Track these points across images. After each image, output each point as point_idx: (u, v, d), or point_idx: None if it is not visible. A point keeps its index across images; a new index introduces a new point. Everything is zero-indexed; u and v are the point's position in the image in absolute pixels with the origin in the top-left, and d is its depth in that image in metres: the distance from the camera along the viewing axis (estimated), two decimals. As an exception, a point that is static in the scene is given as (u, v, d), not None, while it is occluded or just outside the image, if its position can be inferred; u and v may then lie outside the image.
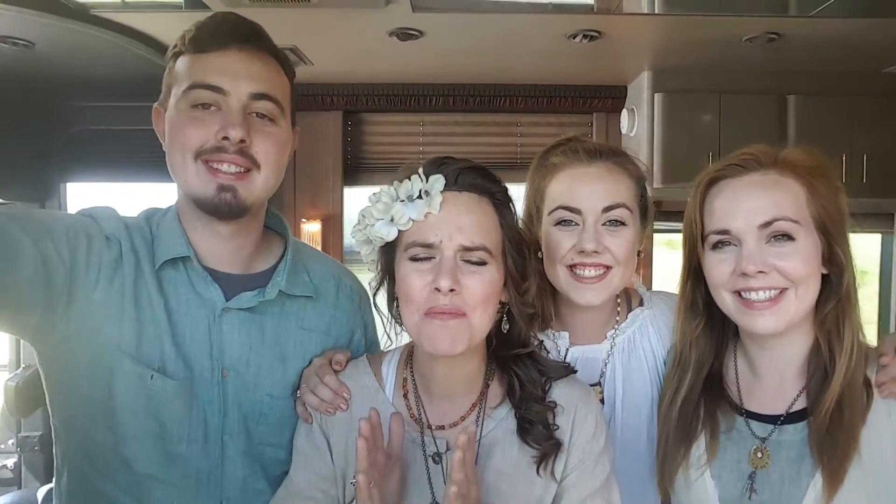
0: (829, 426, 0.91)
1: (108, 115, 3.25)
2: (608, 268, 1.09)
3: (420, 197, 0.91)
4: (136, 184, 3.45)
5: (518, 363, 0.97)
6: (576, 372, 1.02)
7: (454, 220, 0.90)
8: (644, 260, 3.28)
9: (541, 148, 3.82)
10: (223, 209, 1.01)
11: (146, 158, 3.31)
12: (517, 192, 3.41)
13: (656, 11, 2.24)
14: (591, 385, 1.14)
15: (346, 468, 0.97)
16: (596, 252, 1.07)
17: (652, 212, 1.20)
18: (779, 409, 0.99)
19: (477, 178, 0.95)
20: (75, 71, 2.80)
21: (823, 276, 0.96)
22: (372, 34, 2.42)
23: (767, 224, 0.93)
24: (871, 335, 3.46)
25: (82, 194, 3.52)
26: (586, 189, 1.09)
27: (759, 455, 0.97)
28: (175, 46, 1.04)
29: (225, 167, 1.00)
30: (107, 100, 3.20)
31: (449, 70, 3.00)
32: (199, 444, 1.02)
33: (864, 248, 3.57)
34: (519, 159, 3.37)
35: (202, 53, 1.01)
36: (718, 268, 0.96)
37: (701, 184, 1.00)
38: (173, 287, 1.03)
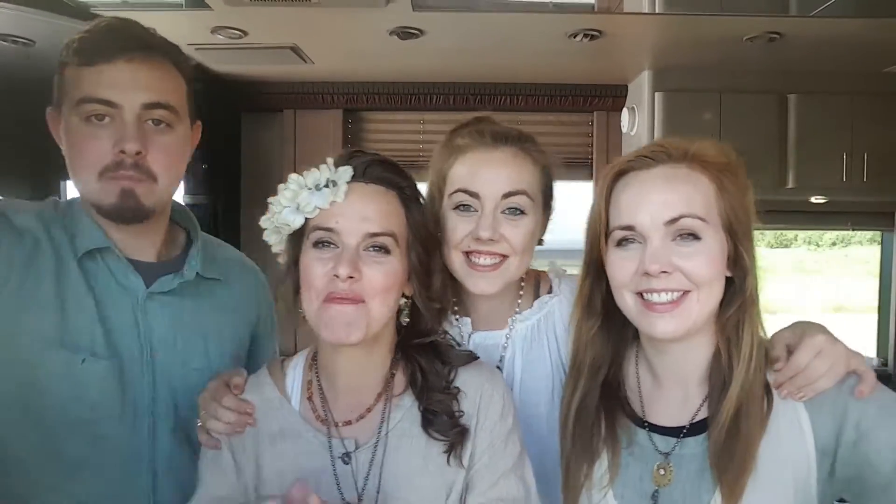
0: (727, 438, 0.85)
1: (108, 113, 3.25)
2: (504, 257, 1.07)
3: (327, 186, 0.91)
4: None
5: (421, 353, 0.97)
6: (477, 358, 1.01)
7: (359, 210, 0.90)
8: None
9: (541, 147, 3.82)
10: (126, 215, 1.05)
11: (146, 156, 3.31)
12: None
13: (657, 11, 2.23)
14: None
15: (258, 486, 0.95)
16: (492, 240, 1.04)
17: (556, 201, 1.19)
18: (682, 420, 0.92)
19: (385, 172, 0.94)
20: (75, 69, 2.80)
21: (728, 279, 0.90)
22: (372, 33, 2.42)
23: (674, 221, 0.86)
24: (870, 334, 3.47)
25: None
26: (488, 174, 1.06)
27: (662, 472, 0.91)
28: (62, 55, 1.05)
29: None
30: (107, 98, 3.20)
31: (449, 69, 3.00)
32: (129, 423, 1.06)
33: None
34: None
35: (90, 66, 1.01)
36: (621, 266, 0.90)
37: (608, 175, 0.93)
38: (95, 277, 1.06)
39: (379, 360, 0.98)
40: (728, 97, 2.83)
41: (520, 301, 1.16)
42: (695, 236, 0.86)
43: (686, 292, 0.86)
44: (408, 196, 0.95)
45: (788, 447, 0.85)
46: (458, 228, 1.06)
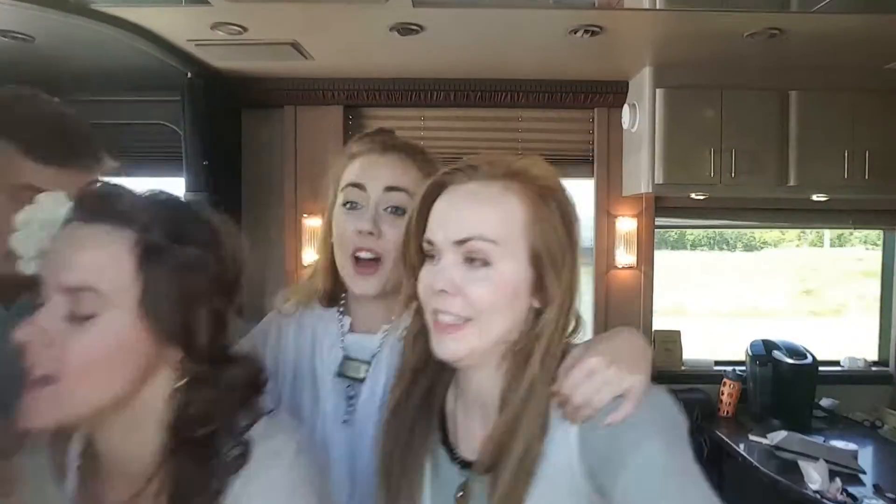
0: (495, 478, 0.80)
1: (108, 110, 3.24)
2: (382, 256, 1.09)
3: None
4: (136, 178, 3.46)
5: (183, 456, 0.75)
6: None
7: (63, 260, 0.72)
8: (644, 254, 3.29)
9: (542, 143, 3.85)
10: None
11: (147, 152, 3.31)
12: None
13: (658, 7, 2.23)
14: (359, 379, 1.12)
15: None
16: (371, 234, 1.08)
17: None
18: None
19: (109, 207, 0.75)
20: (75, 65, 2.80)
21: (537, 308, 0.84)
22: (372, 29, 2.42)
23: (462, 242, 0.81)
24: (872, 332, 3.47)
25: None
26: (374, 171, 1.12)
27: (462, 496, 0.87)
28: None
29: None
30: (107, 94, 3.20)
31: (450, 65, 2.99)
32: None
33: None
34: (520, 154, 3.34)
35: None
36: (423, 280, 0.86)
37: (429, 185, 0.88)
38: None
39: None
40: (729, 94, 2.82)
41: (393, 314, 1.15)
42: (483, 261, 0.81)
43: (468, 319, 0.82)
44: (150, 241, 0.73)
45: (560, 474, 0.80)
46: (346, 226, 1.10)
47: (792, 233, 5.66)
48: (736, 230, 5.19)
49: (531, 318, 0.85)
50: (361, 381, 1.12)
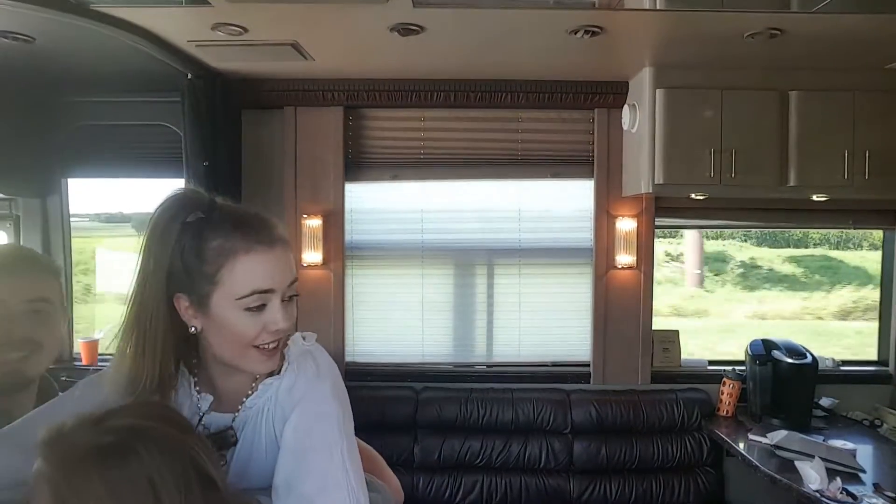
0: None
1: (108, 110, 3.25)
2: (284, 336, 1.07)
3: None
4: (137, 179, 3.46)
5: None
6: None
7: None
8: (644, 254, 3.29)
9: (542, 144, 3.83)
10: None
11: (147, 153, 3.32)
12: (518, 188, 3.39)
13: (658, 7, 2.23)
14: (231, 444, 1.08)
15: None
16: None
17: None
18: None
19: None
20: (76, 66, 2.80)
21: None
22: (373, 30, 2.42)
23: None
24: (871, 332, 3.47)
25: (84, 189, 3.52)
26: (279, 273, 1.03)
27: None
28: None
29: None
30: (107, 95, 3.20)
31: (450, 66, 2.99)
32: None
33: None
34: (520, 155, 3.37)
35: None
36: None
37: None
38: None
39: None
40: (729, 94, 2.82)
41: (253, 383, 1.11)
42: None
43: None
44: None
45: None
46: (250, 326, 1.02)
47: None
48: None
49: None
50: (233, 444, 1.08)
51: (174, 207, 1.02)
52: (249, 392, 1.10)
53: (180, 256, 1.00)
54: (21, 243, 3.28)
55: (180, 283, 1.01)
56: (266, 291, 1.02)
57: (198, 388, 1.10)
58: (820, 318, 7.25)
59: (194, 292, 1.01)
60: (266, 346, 1.04)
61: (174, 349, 1.03)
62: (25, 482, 0.81)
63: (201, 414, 1.09)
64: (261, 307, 1.02)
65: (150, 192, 3.61)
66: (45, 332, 1.31)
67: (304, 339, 1.14)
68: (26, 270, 1.32)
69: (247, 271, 1.00)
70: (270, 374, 1.10)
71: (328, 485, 0.98)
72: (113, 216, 4.28)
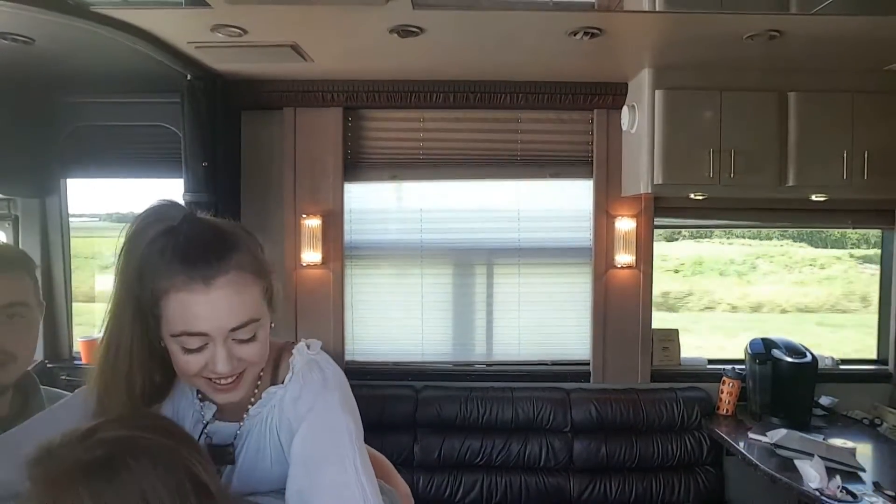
0: None
1: (108, 112, 3.25)
2: (243, 371, 1.00)
3: None
4: (137, 180, 3.46)
5: None
6: None
7: None
8: (643, 254, 3.30)
9: (542, 144, 3.84)
10: None
11: (146, 154, 3.32)
12: (518, 188, 3.38)
13: (657, 9, 2.23)
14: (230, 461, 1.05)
15: None
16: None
17: (279, 296, 1.06)
18: None
19: None
20: (75, 67, 2.80)
21: None
22: (372, 31, 2.42)
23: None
24: (871, 332, 3.47)
25: (83, 190, 3.52)
26: (209, 314, 0.93)
27: None
28: None
29: None
30: (107, 96, 3.20)
31: (449, 67, 2.99)
32: None
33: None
34: (519, 156, 3.37)
35: None
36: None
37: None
38: None
39: None
40: (728, 95, 2.83)
41: (256, 391, 1.07)
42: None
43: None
44: None
45: None
46: (190, 363, 0.95)
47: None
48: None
49: None
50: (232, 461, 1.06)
51: (143, 222, 0.97)
52: (252, 400, 1.07)
53: (139, 275, 0.94)
54: (20, 241, 3.28)
55: (144, 299, 0.95)
56: (199, 334, 0.93)
57: (200, 397, 1.08)
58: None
59: (152, 312, 0.95)
60: (218, 382, 0.98)
61: (146, 361, 0.97)
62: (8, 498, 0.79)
63: (205, 423, 1.07)
64: (200, 347, 0.94)
65: (150, 193, 3.62)
66: (20, 339, 1.20)
67: (308, 347, 1.10)
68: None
69: (177, 310, 0.92)
70: (274, 383, 1.07)
71: (344, 497, 0.95)
72: (111, 216, 4.29)
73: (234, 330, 0.94)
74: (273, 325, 1.04)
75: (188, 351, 0.94)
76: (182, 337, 0.92)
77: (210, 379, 0.97)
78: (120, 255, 0.97)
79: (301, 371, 1.06)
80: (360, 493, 0.95)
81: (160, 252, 0.93)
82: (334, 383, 1.06)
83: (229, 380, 0.98)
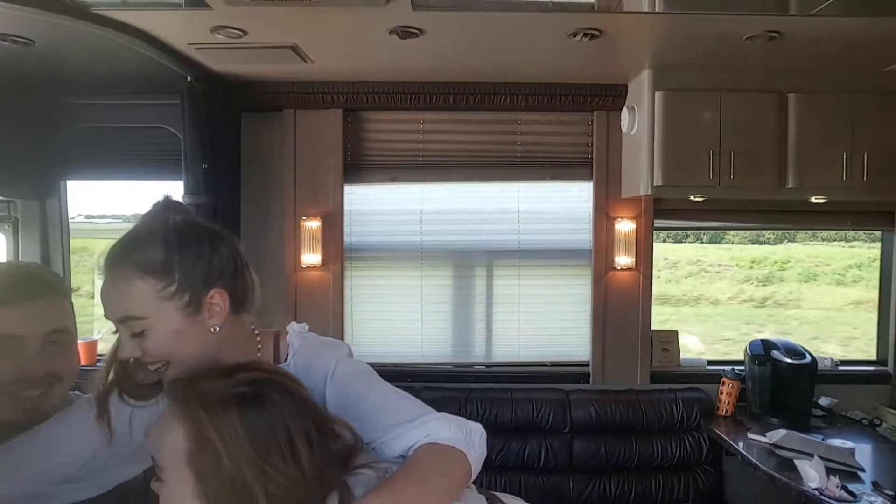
0: None
1: (107, 113, 3.25)
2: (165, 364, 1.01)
3: None
4: (137, 181, 3.46)
5: None
6: None
7: None
8: (643, 255, 3.30)
9: (541, 146, 3.84)
10: None
11: (146, 155, 3.31)
12: (518, 190, 3.38)
13: (657, 10, 2.23)
14: None
15: None
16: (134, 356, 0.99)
17: (254, 297, 1.09)
18: None
19: None
20: (75, 68, 2.79)
21: None
22: (372, 32, 2.42)
23: None
24: (871, 332, 3.48)
25: (83, 192, 3.52)
26: (103, 300, 1.00)
27: None
28: None
29: None
30: (106, 97, 3.20)
31: (449, 68, 3.00)
32: None
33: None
34: (519, 157, 3.38)
35: None
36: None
37: None
38: None
39: None
40: (728, 96, 2.83)
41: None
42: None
43: None
44: None
45: None
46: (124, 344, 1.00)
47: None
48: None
49: None
50: None
51: (150, 213, 1.05)
52: None
53: None
54: (20, 243, 3.28)
55: None
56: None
57: None
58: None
59: None
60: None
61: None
62: None
63: None
64: (117, 329, 1.01)
65: (150, 194, 3.62)
66: (65, 362, 1.23)
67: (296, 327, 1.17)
68: (39, 297, 1.21)
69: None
70: (277, 361, 1.11)
71: (388, 408, 1.07)
72: (109, 216, 4.29)
73: (120, 321, 0.98)
74: (253, 326, 1.11)
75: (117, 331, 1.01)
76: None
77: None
78: None
79: (300, 346, 1.12)
80: (403, 398, 1.11)
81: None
82: (334, 342, 1.15)
83: (153, 367, 1.01)
